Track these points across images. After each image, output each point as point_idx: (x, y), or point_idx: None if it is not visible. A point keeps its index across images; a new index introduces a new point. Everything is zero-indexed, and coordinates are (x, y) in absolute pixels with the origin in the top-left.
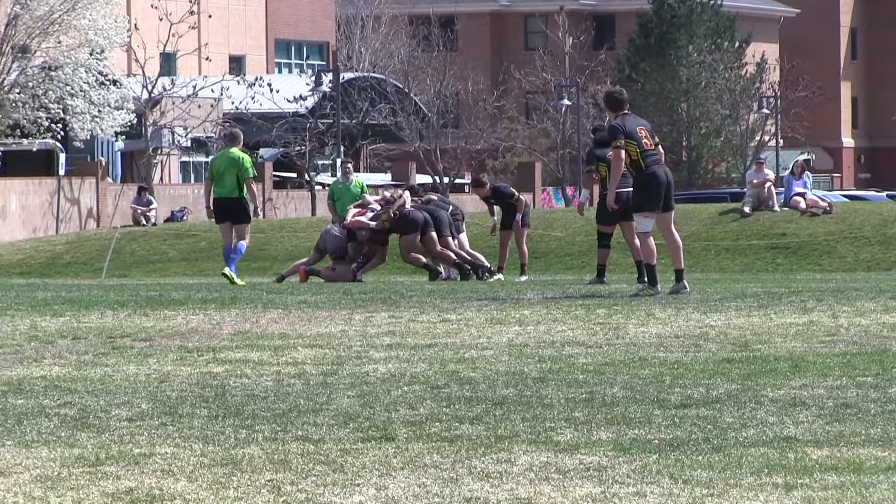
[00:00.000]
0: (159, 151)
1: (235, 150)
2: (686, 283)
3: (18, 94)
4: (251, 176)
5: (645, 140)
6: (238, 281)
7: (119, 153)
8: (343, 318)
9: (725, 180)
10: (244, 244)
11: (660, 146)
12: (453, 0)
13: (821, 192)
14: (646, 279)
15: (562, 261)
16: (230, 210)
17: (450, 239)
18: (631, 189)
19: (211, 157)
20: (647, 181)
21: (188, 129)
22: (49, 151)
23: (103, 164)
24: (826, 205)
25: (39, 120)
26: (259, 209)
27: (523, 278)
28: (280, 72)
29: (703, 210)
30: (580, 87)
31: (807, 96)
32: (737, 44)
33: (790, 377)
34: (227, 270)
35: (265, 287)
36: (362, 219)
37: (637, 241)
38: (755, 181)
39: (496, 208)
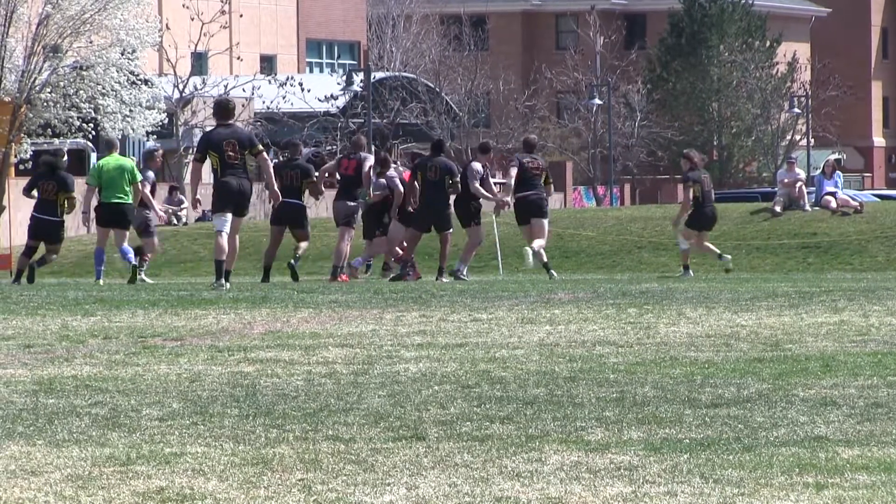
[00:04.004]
0: (190, 151)
1: (121, 157)
2: (225, 282)
3: (50, 93)
4: (140, 179)
5: (229, 153)
6: (101, 282)
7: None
8: (374, 317)
9: (756, 180)
10: (127, 248)
11: (257, 157)
12: None
13: (852, 191)
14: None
15: (593, 260)
16: (118, 215)
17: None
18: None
19: (98, 166)
20: (218, 188)
21: None
22: (80, 151)
23: (135, 163)
24: (857, 204)
25: (70, 119)
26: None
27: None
28: (311, 71)
29: (735, 209)
30: (611, 86)
31: (838, 96)
32: (768, 43)
33: (821, 377)
34: (102, 283)
35: (295, 286)
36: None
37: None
38: (786, 180)
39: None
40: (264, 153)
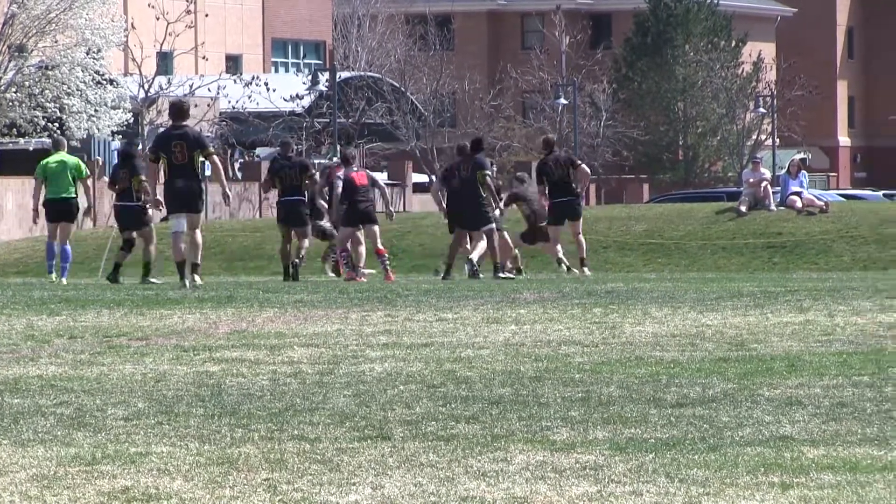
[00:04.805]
0: None
1: (67, 155)
2: (195, 277)
3: (15, 93)
4: (87, 175)
5: (178, 155)
6: (64, 280)
7: (116, 152)
8: (339, 317)
9: (722, 179)
10: (69, 249)
11: (207, 159)
12: None
13: (817, 191)
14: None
15: None
16: (64, 210)
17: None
18: None
19: (42, 163)
20: (167, 189)
21: None
22: (45, 151)
23: (100, 163)
24: (822, 204)
25: (36, 119)
26: (91, 208)
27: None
28: (277, 71)
29: (700, 209)
30: (577, 86)
31: (803, 95)
32: (733, 43)
33: (786, 376)
34: (54, 277)
35: (261, 286)
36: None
37: None
38: (751, 180)
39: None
40: (215, 156)
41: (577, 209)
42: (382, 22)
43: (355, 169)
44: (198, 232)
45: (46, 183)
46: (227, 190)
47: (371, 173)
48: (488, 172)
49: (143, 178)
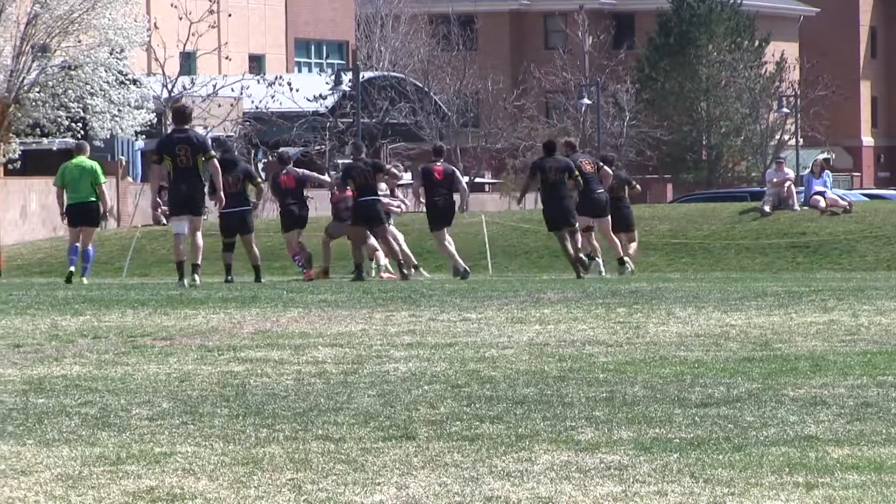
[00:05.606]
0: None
1: (86, 160)
2: (196, 277)
3: (38, 93)
4: (103, 182)
5: (182, 158)
6: (85, 280)
7: (139, 152)
8: (363, 317)
9: (745, 179)
10: (92, 250)
11: (207, 162)
12: None
13: (840, 191)
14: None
15: None
16: (85, 214)
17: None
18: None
19: (61, 167)
20: (171, 191)
21: (208, 129)
22: (69, 151)
23: (123, 163)
24: (846, 204)
25: (59, 119)
26: (110, 212)
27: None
28: (300, 71)
29: (724, 209)
30: (600, 86)
31: (826, 95)
32: (756, 43)
33: (811, 376)
34: (73, 269)
35: (286, 286)
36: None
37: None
38: (775, 180)
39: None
40: (215, 160)
41: (606, 207)
42: (405, 22)
43: (284, 172)
44: (199, 234)
45: (67, 188)
46: (222, 194)
47: (303, 174)
48: (578, 175)
49: (261, 181)
